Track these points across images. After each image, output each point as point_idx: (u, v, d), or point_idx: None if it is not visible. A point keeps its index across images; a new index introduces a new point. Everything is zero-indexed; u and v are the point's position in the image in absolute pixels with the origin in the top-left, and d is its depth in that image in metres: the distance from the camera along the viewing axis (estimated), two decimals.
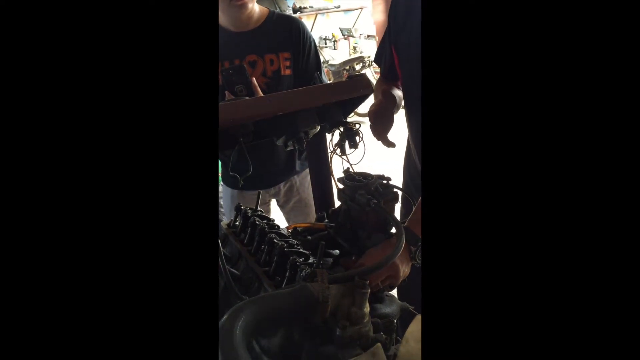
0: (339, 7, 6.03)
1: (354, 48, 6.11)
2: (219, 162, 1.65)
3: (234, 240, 0.92)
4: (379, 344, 0.58)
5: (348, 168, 0.96)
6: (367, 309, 0.64)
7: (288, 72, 1.44)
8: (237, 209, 0.99)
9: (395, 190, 0.87)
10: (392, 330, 0.69)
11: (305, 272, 0.70)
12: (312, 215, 1.37)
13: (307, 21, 5.67)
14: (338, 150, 1.00)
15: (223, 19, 1.40)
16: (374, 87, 1.11)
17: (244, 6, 1.33)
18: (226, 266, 0.78)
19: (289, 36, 1.43)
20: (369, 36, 5.96)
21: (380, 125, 1.16)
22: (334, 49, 6.04)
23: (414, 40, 1.11)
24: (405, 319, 0.70)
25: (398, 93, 1.29)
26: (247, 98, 0.95)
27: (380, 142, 1.17)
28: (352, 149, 0.99)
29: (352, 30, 6.06)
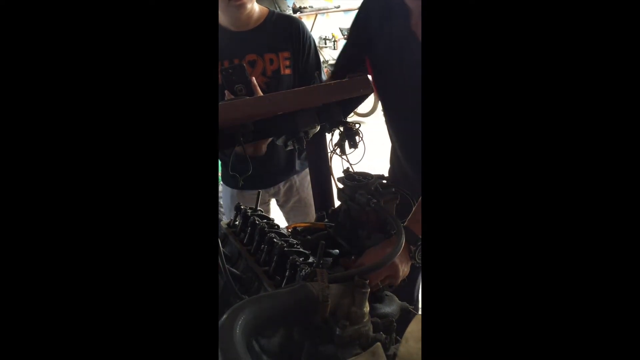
0: (339, 7, 6.02)
1: None
2: (219, 162, 1.65)
3: (234, 240, 0.92)
4: (378, 344, 0.58)
5: (348, 168, 0.96)
6: (366, 308, 0.64)
7: (288, 71, 1.44)
8: (237, 208, 0.99)
9: (394, 189, 0.87)
10: (392, 330, 0.69)
11: (305, 271, 0.70)
12: (312, 215, 1.37)
13: (307, 21, 5.67)
14: (338, 150, 0.99)
15: (223, 18, 1.40)
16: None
17: (242, 6, 1.33)
18: (226, 266, 0.78)
19: (288, 36, 1.43)
20: None
21: None
22: (334, 49, 6.03)
23: (395, 46, 1.03)
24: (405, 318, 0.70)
25: None
26: (247, 97, 0.95)
27: None
28: (352, 149, 0.99)
29: None
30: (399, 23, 1.02)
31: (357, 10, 1.16)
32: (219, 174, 1.69)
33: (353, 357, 0.58)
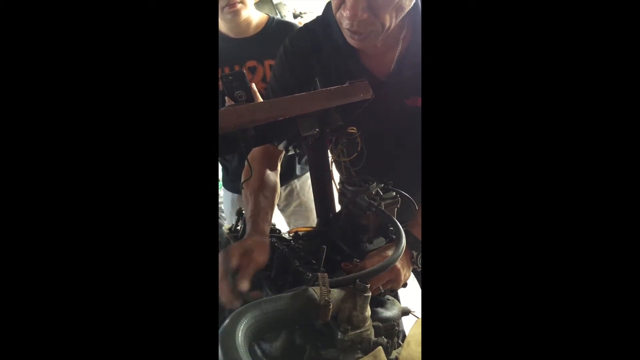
0: None
1: None
2: (220, 167, 1.66)
3: None
4: (380, 348, 0.58)
5: (349, 172, 0.96)
6: (368, 312, 0.64)
7: None
8: (239, 213, 0.99)
9: (395, 193, 0.87)
10: (394, 334, 0.69)
11: (307, 276, 0.70)
12: (313, 219, 1.37)
13: None
14: (338, 155, 1.00)
15: (223, 25, 1.41)
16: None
17: (236, 13, 1.34)
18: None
19: None
20: None
21: None
22: None
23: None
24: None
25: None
26: (248, 103, 0.95)
27: None
28: (353, 154, 0.99)
29: None
30: (347, 61, 0.95)
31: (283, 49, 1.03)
32: (220, 179, 1.69)
33: None
